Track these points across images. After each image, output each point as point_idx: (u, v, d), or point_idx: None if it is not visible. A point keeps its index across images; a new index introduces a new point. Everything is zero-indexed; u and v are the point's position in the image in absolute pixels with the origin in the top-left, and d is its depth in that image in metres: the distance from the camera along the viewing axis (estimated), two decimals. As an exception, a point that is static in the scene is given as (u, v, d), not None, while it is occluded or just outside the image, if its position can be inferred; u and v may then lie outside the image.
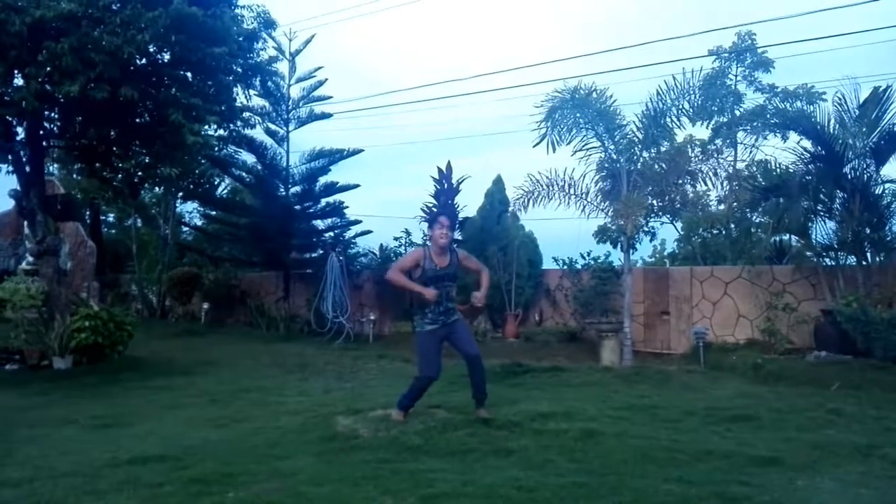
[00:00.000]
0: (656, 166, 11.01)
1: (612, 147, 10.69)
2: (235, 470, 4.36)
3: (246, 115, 11.84)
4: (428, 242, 6.33)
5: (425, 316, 5.82)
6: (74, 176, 18.67)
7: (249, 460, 4.67)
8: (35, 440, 5.68)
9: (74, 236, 17.60)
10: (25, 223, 11.85)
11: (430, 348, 5.82)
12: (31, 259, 12.66)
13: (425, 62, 45.60)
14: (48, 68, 8.91)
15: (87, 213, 19.60)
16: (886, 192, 9.97)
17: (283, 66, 15.40)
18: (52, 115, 10.81)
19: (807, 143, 10.42)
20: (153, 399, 7.83)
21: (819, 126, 10.03)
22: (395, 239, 15.60)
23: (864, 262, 9.88)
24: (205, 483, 4.07)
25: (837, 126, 9.93)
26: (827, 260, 10.54)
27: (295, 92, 16.20)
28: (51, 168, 18.06)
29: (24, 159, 10.79)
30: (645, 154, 10.87)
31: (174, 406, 7.38)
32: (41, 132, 10.82)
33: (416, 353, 6.16)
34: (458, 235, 14.98)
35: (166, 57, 10.06)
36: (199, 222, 20.79)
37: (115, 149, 11.58)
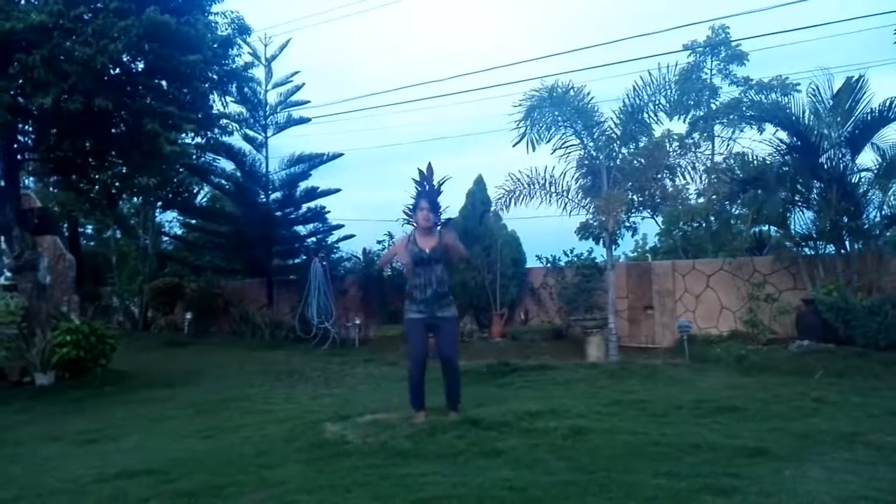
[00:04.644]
0: (635, 162, 11.08)
1: (591, 144, 10.74)
2: (223, 481, 4.32)
3: (223, 122, 11.73)
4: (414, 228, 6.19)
5: (414, 301, 5.82)
6: (51, 189, 18.44)
7: (237, 471, 4.62)
8: (19, 458, 5.59)
9: (52, 250, 17.30)
10: (2, 238, 11.64)
11: (415, 335, 5.84)
12: (8, 274, 12.47)
13: (404, 64, 45.59)
14: (20, 80, 8.79)
15: (65, 225, 19.32)
16: (862, 180, 10.10)
17: (259, 72, 15.31)
18: (26, 127, 10.67)
19: (783, 135, 10.55)
20: (138, 412, 7.74)
21: (794, 117, 10.15)
22: (378, 242, 15.57)
23: (842, 251, 10.01)
24: (193, 496, 4.03)
25: (812, 117, 10.06)
26: (806, 249, 10.66)
27: (272, 97, 16.14)
28: (26, 181, 17.80)
29: (-3, 174, 10.65)
30: (624, 150, 10.95)
31: (160, 418, 7.30)
32: (15, 145, 10.66)
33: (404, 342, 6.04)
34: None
35: (140, 66, 9.97)
36: (179, 231, 20.62)
37: (91, 160, 11.44)
